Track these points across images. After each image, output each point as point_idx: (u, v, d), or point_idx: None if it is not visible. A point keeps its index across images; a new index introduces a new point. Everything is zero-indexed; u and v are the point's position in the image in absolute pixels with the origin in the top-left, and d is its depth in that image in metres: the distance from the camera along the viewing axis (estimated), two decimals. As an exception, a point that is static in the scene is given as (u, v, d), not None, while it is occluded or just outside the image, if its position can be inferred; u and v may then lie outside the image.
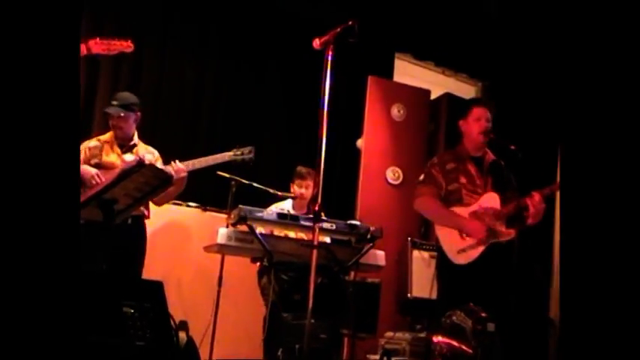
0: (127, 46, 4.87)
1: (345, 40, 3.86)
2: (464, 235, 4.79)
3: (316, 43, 3.93)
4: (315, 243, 3.76)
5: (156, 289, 3.13)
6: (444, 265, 4.89)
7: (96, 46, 4.74)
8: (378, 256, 5.31)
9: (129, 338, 2.85)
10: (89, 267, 4.84)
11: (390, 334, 6.13)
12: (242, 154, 5.32)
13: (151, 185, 4.02)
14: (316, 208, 3.80)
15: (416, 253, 6.54)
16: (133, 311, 2.89)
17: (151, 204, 5.43)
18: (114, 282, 3.11)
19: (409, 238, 6.63)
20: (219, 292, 5.73)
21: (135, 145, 5.41)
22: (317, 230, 3.79)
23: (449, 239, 4.84)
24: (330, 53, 3.86)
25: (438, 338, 4.23)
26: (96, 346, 2.69)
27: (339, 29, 3.87)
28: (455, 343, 4.14)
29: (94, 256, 4.76)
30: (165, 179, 4.21)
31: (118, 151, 5.34)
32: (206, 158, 5.26)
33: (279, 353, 4.70)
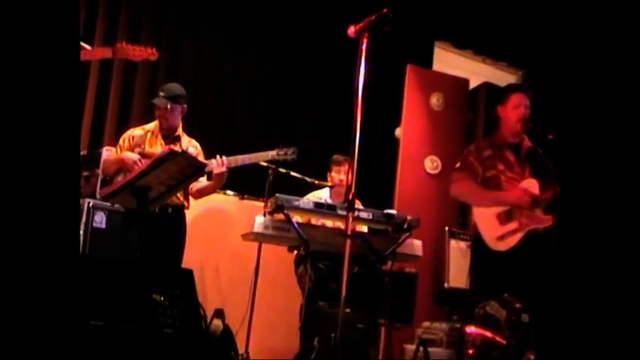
0: (151, 53, 4.91)
1: (380, 28, 3.82)
2: (503, 220, 4.74)
3: (351, 30, 3.90)
4: (349, 232, 3.74)
5: (186, 276, 3.13)
6: (479, 253, 4.84)
7: (121, 50, 4.79)
8: (415, 245, 5.28)
9: (157, 326, 2.86)
10: (126, 254, 4.94)
11: (427, 324, 6.12)
12: (285, 154, 5.31)
13: (185, 174, 4.04)
14: (350, 197, 3.79)
15: (453, 242, 6.52)
16: (162, 299, 2.90)
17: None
18: (144, 269, 3.12)
19: (446, 228, 6.60)
20: (256, 280, 5.75)
21: (179, 137, 5.41)
22: (350, 219, 3.77)
23: (488, 226, 4.79)
24: (365, 41, 3.82)
25: (471, 329, 4.19)
26: (124, 333, 2.70)
27: (373, 17, 3.83)
28: (488, 334, 4.09)
29: (132, 243, 4.83)
30: (198, 168, 4.23)
31: (162, 141, 5.36)
32: (249, 155, 5.26)
33: (316, 342, 4.70)
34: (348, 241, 3.69)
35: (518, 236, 4.68)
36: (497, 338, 4.05)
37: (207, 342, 3.22)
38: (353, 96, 3.88)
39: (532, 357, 3.98)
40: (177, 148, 4.62)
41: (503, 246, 4.70)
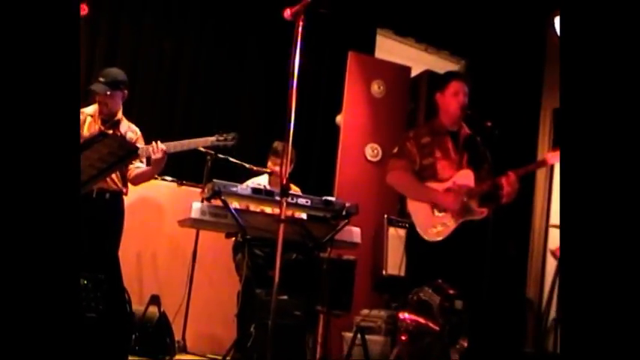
0: (81, 8, 4.78)
1: (316, 10, 3.78)
2: (436, 211, 4.73)
3: (287, 13, 3.85)
4: (282, 217, 3.72)
5: (111, 260, 3.07)
6: (414, 241, 4.82)
7: None
8: (354, 232, 5.27)
9: (80, 310, 2.79)
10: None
11: (365, 311, 6.11)
12: (225, 139, 5.26)
13: (117, 156, 3.94)
14: (284, 182, 3.76)
15: (392, 230, 6.51)
16: (86, 282, 2.83)
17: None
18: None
19: (385, 216, 6.58)
20: (193, 267, 5.75)
21: (119, 122, 5.33)
22: (284, 204, 3.75)
23: (421, 215, 4.77)
24: (301, 24, 3.78)
25: (404, 315, 4.18)
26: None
27: (309, -1, 3.79)
28: (421, 320, 4.09)
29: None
30: (130, 150, 4.14)
31: (101, 126, 5.26)
32: (188, 141, 5.22)
33: (252, 329, 4.67)
34: (282, 226, 3.66)
35: (452, 227, 4.68)
36: (430, 324, 4.05)
37: (131, 325, 3.14)
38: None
39: (465, 344, 3.99)
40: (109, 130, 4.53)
41: (436, 236, 4.68)
